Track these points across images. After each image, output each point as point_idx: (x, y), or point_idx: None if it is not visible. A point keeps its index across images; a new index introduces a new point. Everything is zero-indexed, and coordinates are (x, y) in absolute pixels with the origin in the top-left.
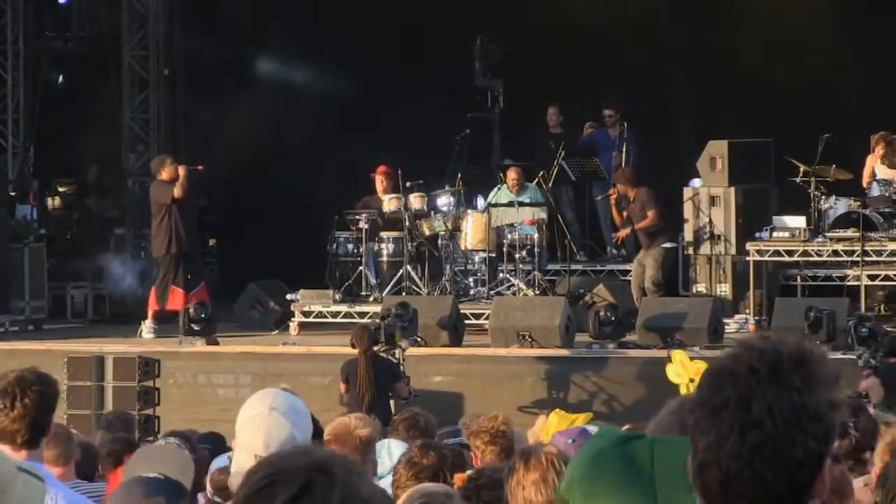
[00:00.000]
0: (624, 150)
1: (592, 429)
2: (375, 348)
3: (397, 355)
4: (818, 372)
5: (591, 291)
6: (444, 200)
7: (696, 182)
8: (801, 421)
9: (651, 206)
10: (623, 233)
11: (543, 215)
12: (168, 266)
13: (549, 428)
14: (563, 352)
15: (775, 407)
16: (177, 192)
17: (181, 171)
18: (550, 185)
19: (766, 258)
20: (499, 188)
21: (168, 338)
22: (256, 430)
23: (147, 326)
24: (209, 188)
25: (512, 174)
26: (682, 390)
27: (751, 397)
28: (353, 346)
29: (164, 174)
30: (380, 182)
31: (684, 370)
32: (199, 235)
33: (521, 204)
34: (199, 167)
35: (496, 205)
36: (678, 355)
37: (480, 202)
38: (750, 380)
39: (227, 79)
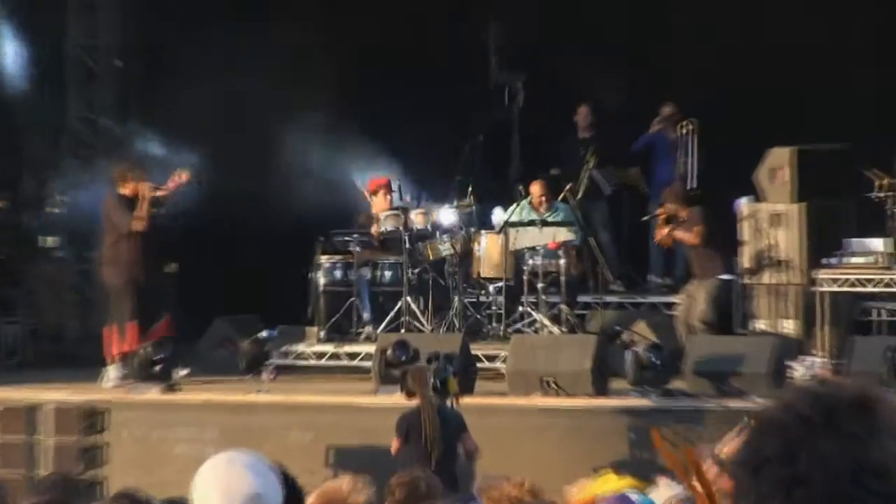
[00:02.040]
0: (691, 156)
1: (636, 497)
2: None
3: (449, 405)
4: (885, 420)
5: (628, 329)
6: (452, 219)
7: (743, 201)
8: (861, 477)
9: (698, 224)
10: (664, 232)
11: (572, 237)
12: (124, 297)
13: (590, 490)
14: (596, 401)
15: (828, 460)
16: (136, 225)
17: (144, 189)
18: (579, 198)
19: (838, 288)
20: (519, 205)
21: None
22: (213, 483)
23: (113, 372)
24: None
25: (536, 189)
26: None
27: (798, 449)
28: (408, 393)
29: (127, 189)
30: (381, 198)
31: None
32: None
33: (545, 223)
34: (166, 190)
35: (515, 224)
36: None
37: (497, 218)
38: (799, 429)
39: (192, 68)
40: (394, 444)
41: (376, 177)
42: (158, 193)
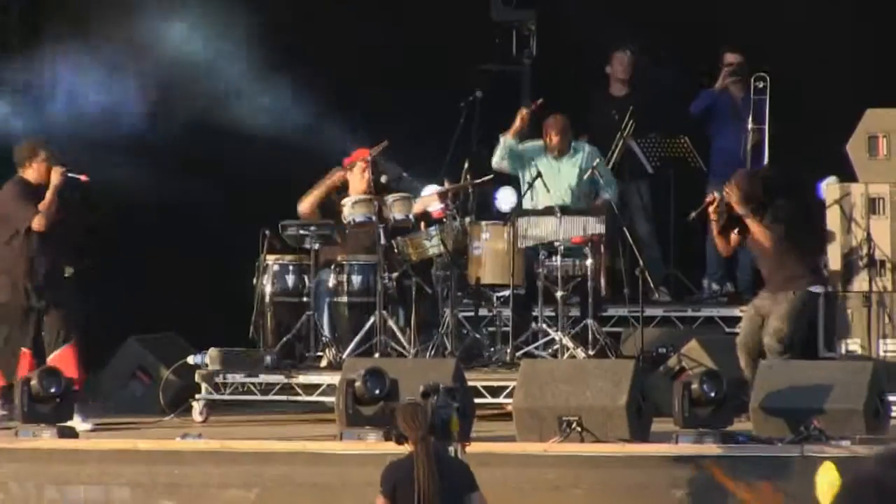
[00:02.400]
0: (765, 119)
1: None
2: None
3: (451, 453)
4: None
5: (677, 352)
6: (441, 205)
7: (829, 180)
8: None
9: (780, 222)
10: (733, 238)
11: (602, 229)
12: (14, 317)
13: None
14: (634, 448)
15: None
16: (38, 223)
17: (55, 175)
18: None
19: None
20: (539, 143)
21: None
22: None
23: None
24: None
25: (547, 126)
26: None
27: None
28: (397, 438)
29: (31, 172)
30: (357, 175)
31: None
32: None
33: (567, 211)
34: (85, 177)
35: (526, 212)
36: (830, 470)
37: (503, 203)
38: None
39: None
40: None
41: (360, 149)
42: (82, 178)
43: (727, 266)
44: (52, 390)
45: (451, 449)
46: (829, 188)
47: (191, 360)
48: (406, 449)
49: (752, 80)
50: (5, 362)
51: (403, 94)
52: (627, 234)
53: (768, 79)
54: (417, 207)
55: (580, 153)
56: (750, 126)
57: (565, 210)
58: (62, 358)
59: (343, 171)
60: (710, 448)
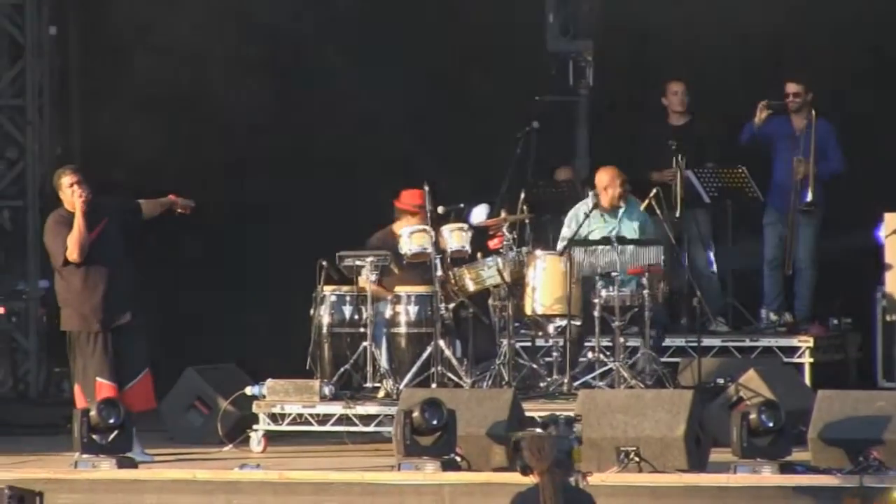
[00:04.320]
0: (812, 149)
1: None
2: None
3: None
4: None
5: (735, 381)
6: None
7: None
8: None
9: None
10: None
11: (661, 258)
12: (85, 346)
13: None
14: (692, 478)
15: None
16: (71, 254)
17: (78, 202)
18: (678, 209)
19: None
20: (587, 211)
21: (63, 453)
22: None
23: None
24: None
25: (608, 178)
26: None
27: None
28: (522, 470)
29: (63, 200)
30: (410, 215)
31: None
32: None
33: (623, 241)
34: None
35: (582, 242)
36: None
37: (476, 219)
38: None
39: (150, 38)
40: None
41: (408, 190)
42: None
43: (784, 296)
44: (111, 421)
45: (572, 479)
46: (889, 219)
47: (248, 390)
48: (531, 481)
49: (811, 111)
50: (89, 391)
51: (461, 123)
52: (685, 264)
53: (814, 112)
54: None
55: (632, 208)
56: (797, 158)
57: (622, 240)
58: (142, 386)
59: None
60: (768, 479)
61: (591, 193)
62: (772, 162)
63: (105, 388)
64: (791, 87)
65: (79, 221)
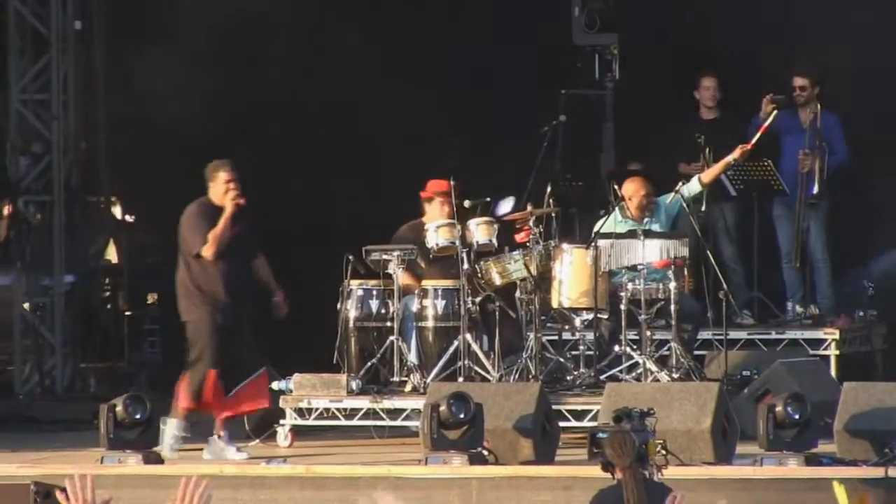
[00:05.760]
0: (817, 144)
1: None
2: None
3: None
4: None
5: (761, 374)
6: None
7: None
8: None
9: None
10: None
11: (685, 252)
12: (203, 338)
13: None
14: (719, 470)
15: None
16: (207, 251)
17: (228, 204)
18: (703, 202)
19: None
20: (612, 214)
21: (89, 449)
22: None
23: (172, 430)
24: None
25: (633, 188)
26: None
27: None
28: (604, 466)
29: (213, 193)
30: (436, 207)
31: None
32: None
33: (650, 234)
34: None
35: (608, 235)
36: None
37: (503, 210)
38: None
39: (174, 29)
40: None
41: (434, 180)
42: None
43: (808, 288)
44: (138, 416)
45: (648, 473)
46: None
47: (275, 385)
48: (614, 477)
49: (818, 106)
50: (196, 385)
51: (487, 116)
52: (711, 257)
53: (819, 107)
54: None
55: (660, 212)
56: (803, 151)
57: (648, 233)
58: (260, 384)
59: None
60: (794, 471)
61: (618, 206)
62: (779, 155)
63: (215, 380)
64: (797, 81)
65: (226, 221)
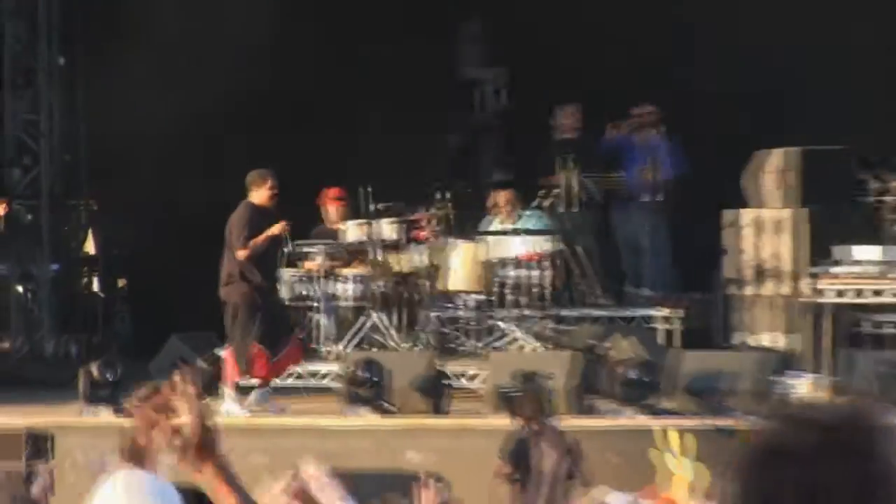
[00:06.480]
0: (649, 162)
1: None
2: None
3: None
4: (881, 442)
5: (610, 343)
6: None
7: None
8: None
9: None
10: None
11: (548, 247)
12: (246, 316)
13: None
14: (576, 421)
15: (830, 491)
16: (242, 254)
17: (277, 227)
18: (578, 207)
19: (837, 300)
20: (496, 217)
21: (71, 404)
22: None
23: (229, 395)
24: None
25: (501, 198)
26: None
27: (810, 478)
28: (526, 419)
29: (256, 197)
30: (333, 212)
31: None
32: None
33: (520, 232)
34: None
35: (489, 232)
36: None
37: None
38: (804, 458)
39: (146, 55)
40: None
41: (330, 187)
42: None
43: (642, 275)
44: (109, 377)
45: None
46: (725, 214)
47: (218, 351)
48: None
49: (656, 128)
50: (242, 353)
51: (394, 132)
52: (580, 251)
53: (655, 131)
54: None
55: (529, 219)
56: (641, 166)
57: (520, 232)
58: (295, 352)
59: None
60: (636, 420)
61: (495, 210)
62: (623, 169)
63: (260, 351)
64: (635, 110)
65: (269, 236)
